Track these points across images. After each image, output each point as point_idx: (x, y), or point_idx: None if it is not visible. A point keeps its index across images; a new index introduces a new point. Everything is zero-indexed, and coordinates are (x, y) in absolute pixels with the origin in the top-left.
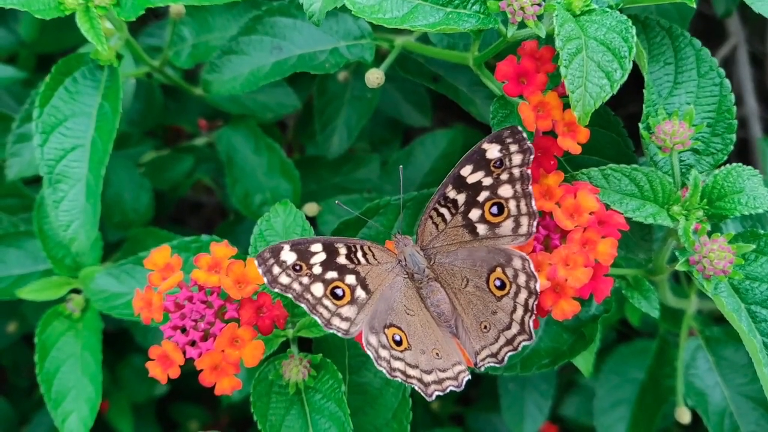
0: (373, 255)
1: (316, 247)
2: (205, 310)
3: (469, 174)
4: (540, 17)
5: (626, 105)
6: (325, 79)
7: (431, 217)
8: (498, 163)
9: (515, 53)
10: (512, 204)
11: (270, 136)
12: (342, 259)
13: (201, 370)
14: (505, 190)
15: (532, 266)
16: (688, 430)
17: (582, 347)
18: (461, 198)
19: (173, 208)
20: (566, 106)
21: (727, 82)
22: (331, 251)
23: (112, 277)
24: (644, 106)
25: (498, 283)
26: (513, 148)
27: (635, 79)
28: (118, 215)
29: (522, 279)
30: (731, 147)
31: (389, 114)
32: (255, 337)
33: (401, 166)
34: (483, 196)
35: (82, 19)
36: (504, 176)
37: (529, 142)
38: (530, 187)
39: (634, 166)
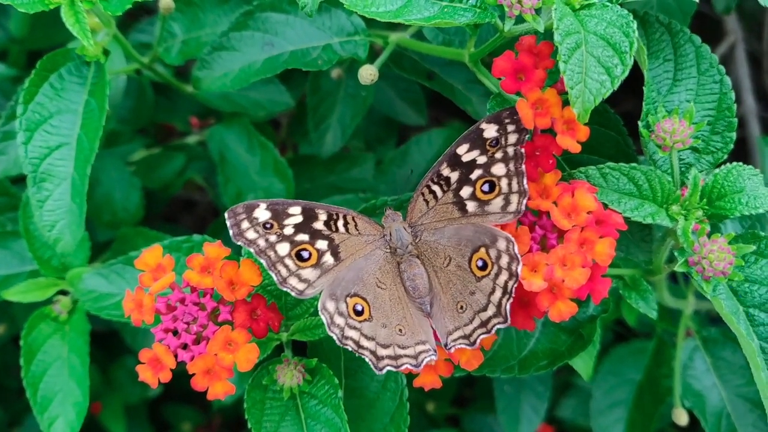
0: (356, 225)
1: (295, 210)
2: (197, 312)
3: (465, 152)
4: (538, 11)
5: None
6: (319, 76)
7: (423, 194)
8: (494, 142)
9: (513, 50)
10: (504, 182)
11: (263, 134)
12: (319, 225)
13: (193, 374)
14: (499, 169)
15: (516, 248)
16: (685, 431)
17: (580, 348)
18: (454, 176)
19: (164, 207)
20: (565, 103)
21: (727, 79)
22: (309, 216)
23: (101, 278)
24: (644, 103)
25: (480, 263)
26: (510, 128)
27: (628, 78)
28: (107, 215)
29: (504, 260)
30: (731, 146)
31: (384, 112)
32: (249, 340)
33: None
34: (476, 174)
35: (67, 14)
36: (498, 155)
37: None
38: (523, 166)
39: (633, 164)
